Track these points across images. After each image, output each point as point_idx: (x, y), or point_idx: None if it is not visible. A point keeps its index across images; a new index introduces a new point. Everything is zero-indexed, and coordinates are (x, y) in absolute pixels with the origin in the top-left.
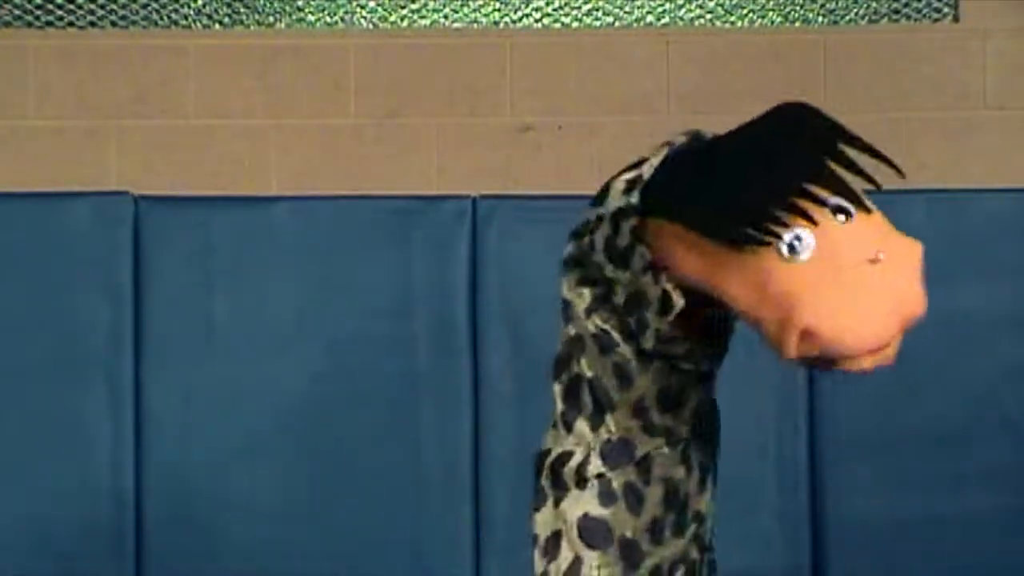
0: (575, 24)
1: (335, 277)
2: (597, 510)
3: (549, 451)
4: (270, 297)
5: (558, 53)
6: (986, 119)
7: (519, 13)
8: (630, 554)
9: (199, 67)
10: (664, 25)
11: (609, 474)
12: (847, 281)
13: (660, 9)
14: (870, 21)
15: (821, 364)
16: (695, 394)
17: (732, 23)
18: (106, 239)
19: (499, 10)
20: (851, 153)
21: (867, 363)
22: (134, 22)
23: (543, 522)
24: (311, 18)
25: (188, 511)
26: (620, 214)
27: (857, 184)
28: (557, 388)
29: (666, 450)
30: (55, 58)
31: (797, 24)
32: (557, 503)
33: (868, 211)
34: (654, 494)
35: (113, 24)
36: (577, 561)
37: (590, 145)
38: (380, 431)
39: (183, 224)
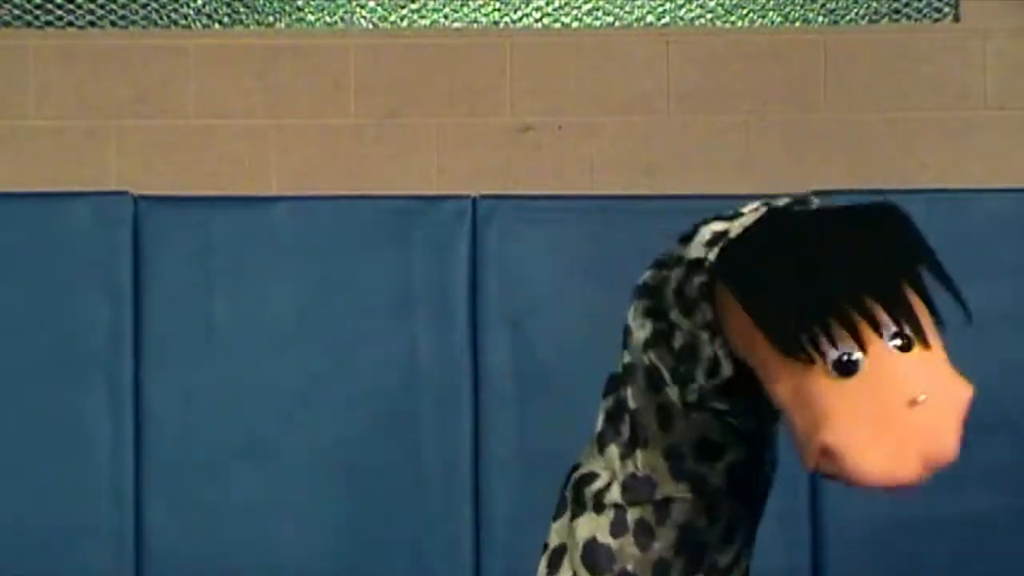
0: (575, 24)
1: (335, 277)
2: (606, 538)
3: (580, 465)
4: (270, 297)
5: (558, 53)
6: (986, 119)
7: (519, 13)
8: None
9: (199, 67)
10: (664, 25)
11: (626, 507)
12: (882, 415)
13: (660, 9)
14: (870, 21)
15: (840, 480)
16: (736, 448)
17: (732, 23)
18: (106, 239)
19: (499, 10)
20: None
21: (884, 492)
22: (134, 22)
23: (557, 532)
24: (311, 18)
25: (188, 511)
26: (696, 265)
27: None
28: (603, 405)
29: (690, 496)
30: (55, 58)
31: (797, 24)
32: (573, 518)
33: (928, 346)
34: (666, 536)
35: (113, 24)
36: None
37: (590, 145)
38: (380, 431)
39: (183, 224)
